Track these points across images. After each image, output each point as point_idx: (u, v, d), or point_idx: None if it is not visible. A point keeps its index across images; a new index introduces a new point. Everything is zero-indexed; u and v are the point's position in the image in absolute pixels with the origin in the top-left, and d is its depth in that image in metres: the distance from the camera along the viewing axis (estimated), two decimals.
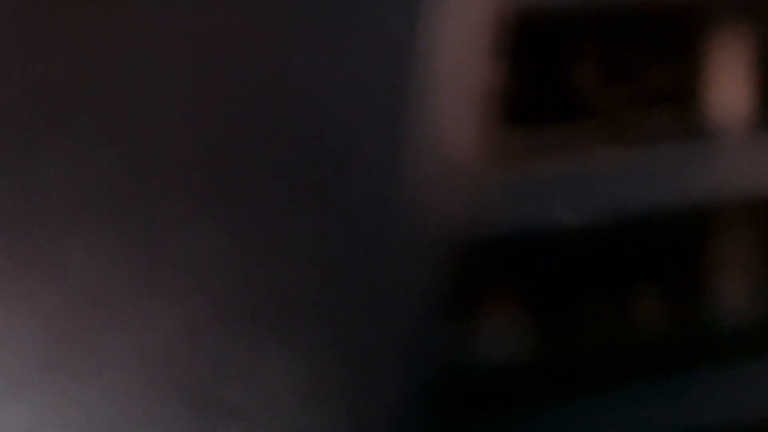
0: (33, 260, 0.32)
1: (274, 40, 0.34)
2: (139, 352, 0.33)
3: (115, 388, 0.33)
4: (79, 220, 0.32)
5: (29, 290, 0.32)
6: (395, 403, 0.36)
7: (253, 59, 0.34)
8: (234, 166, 0.34)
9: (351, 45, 0.35)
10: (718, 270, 0.45)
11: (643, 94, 0.45)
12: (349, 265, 0.35)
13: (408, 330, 0.36)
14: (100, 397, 0.33)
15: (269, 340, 0.34)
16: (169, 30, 0.34)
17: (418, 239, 0.36)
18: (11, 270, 0.32)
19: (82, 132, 0.33)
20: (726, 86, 0.44)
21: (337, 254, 0.35)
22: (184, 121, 0.34)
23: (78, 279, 0.32)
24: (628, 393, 0.43)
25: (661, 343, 0.44)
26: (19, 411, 0.32)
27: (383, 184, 0.36)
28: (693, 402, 0.44)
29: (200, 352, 0.33)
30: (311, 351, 0.35)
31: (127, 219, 0.33)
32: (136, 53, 0.33)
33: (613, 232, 0.43)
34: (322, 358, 0.35)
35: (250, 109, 0.34)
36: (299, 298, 0.35)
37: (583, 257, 0.43)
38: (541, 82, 0.43)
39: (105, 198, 0.33)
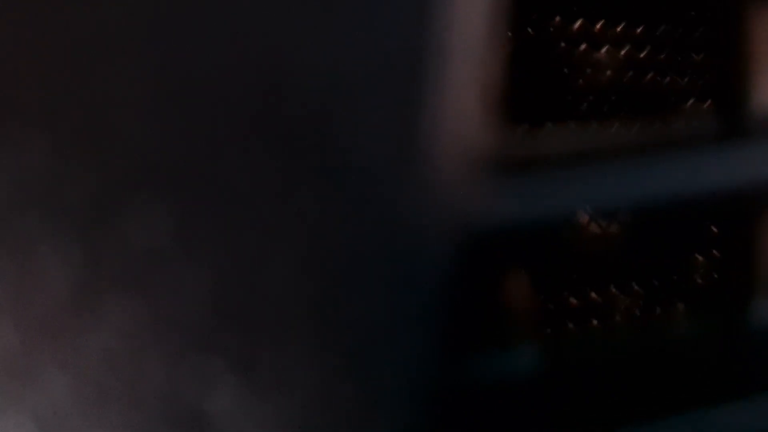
0: None
1: (276, 35, 0.33)
2: (111, 361, 0.31)
3: (85, 398, 0.31)
4: (48, 222, 0.31)
5: None
6: (395, 414, 0.35)
7: (253, 50, 0.33)
8: (230, 163, 0.33)
9: (355, 39, 0.34)
10: (744, 270, 0.44)
11: (662, 89, 0.44)
12: (346, 267, 0.34)
13: (409, 334, 0.35)
14: (69, 407, 0.31)
15: (257, 349, 0.33)
16: (160, 17, 0.32)
17: (423, 238, 0.35)
18: None
19: (51, 123, 0.31)
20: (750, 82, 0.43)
21: (334, 256, 0.34)
22: (175, 117, 0.32)
23: (44, 283, 0.31)
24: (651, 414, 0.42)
25: (685, 354, 0.43)
26: None
27: (386, 182, 0.35)
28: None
29: (179, 360, 0.32)
30: (304, 359, 0.33)
31: (105, 219, 0.31)
32: (117, 47, 0.31)
33: (630, 230, 0.42)
34: (316, 368, 0.33)
35: (247, 103, 0.33)
36: (293, 303, 0.33)
37: (595, 257, 0.42)
38: (560, 76, 0.42)
39: (78, 196, 0.31)
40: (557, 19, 0.41)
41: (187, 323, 0.32)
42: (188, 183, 0.32)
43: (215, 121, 0.32)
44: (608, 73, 0.42)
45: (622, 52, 0.43)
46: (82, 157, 0.30)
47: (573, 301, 0.43)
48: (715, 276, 0.44)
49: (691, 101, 0.43)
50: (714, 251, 0.44)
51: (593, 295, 0.43)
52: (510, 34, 0.38)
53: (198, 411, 0.32)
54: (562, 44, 0.42)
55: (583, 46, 0.42)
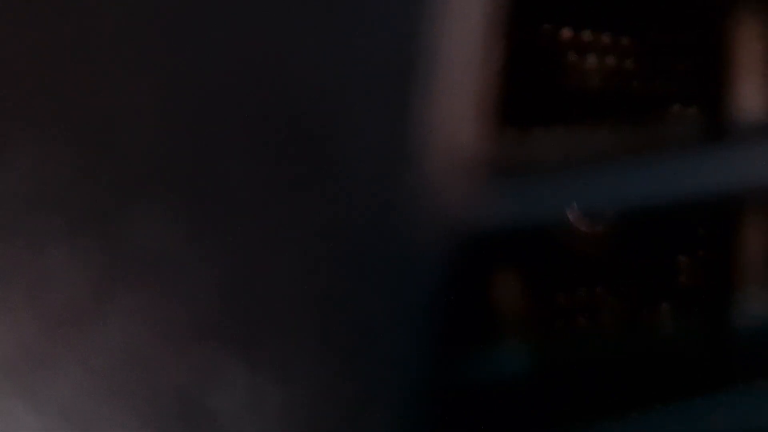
0: (5, 266, 0.31)
1: (275, 40, 0.33)
2: (120, 359, 0.31)
3: (95, 395, 0.31)
4: (64, 221, 0.31)
5: (3, 296, 0.31)
6: (395, 413, 0.35)
7: (252, 52, 0.33)
8: (233, 166, 0.33)
9: (354, 40, 0.34)
10: (734, 272, 0.44)
11: (654, 92, 0.44)
12: (346, 267, 0.34)
13: (408, 334, 0.35)
14: (79, 404, 0.31)
15: (259, 348, 0.33)
16: (161, 21, 0.32)
17: (419, 239, 0.35)
18: None
19: (55, 130, 0.31)
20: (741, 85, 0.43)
21: (334, 256, 0.34)
22: (181, 120, 0.32)
23: (56, 284, 0.31)
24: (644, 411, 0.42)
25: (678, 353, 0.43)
26: None
27: (382, 185, 0.35)
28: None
29: (186, 359, 0.32)
30: (305, 360, 0.33)
31: (111, 222, 0.31)
32: (117, 51, 0.32)
33: (621, 232, 0.42)
34: (317, 367, 0.33)
35: (244, 105, 0.33)
36: (293, 303, 0.33)
37: (588, 258, 0.43)
38: (552, 81, 0.42)
39: (93, 197, 0.31)
40: (548, 26, 0.41)
41: (195, 321, 0.32)
42: (195, 185, 0.32)
43: (221, 125, 0.32)
44: (599, 78, 0.42)
45: (613, 58, 0.43)
46: (97, 162, 0.31)
47: (566, 301, 0.43)
48: (704, 276, 0.44)
49: (679, 105, 0.43)
50: (703, 252, 0.44)
51: (586, 295, 0.43)
52: (503, 40, 0.38)
53: (204, 407, 0.32)
54: (554, 51, 0.42)
55: (574, 52, 0.42)
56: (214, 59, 0.32)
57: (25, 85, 0.30)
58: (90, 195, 0.31)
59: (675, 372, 0.43)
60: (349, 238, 0.34)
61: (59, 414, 0.31)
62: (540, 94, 0.42)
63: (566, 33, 0.42)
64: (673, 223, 0.43)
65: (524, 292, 0.41)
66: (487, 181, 0.38)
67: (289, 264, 0.33)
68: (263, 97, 0.33)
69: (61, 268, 0.31)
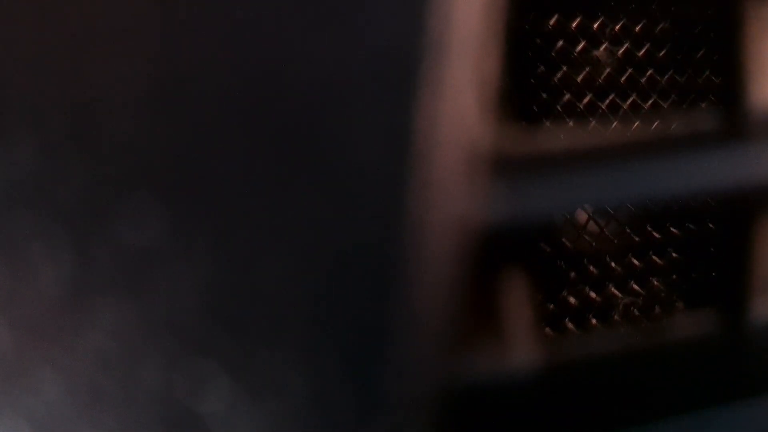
0: None
1: (271, 33, 0.32)
2: (104, 362, 0.31)
3: (79, 399, 0.31)
4: (41, 223, 0.30)
5: None
6: (391, 416, 0.34)
7: (246, 49, 0.32)
8: (222, 164, 0.32)
9: (352, 37, 0.33)
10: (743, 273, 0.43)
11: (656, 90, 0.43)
12: (341, 268, 0.33)
13: (405, 335, 0.34)
14: (63, 408, 0.31)
15: (251, 351, 0.32)
16: (153, 16, 0.31)
17: (419, 237, 0.34)
18: None
19: (43, 123, 0.30)
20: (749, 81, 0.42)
21: (328, 257, 0.33)
22: (168, 117, 0.31)
23: (38, 284, 0.30)
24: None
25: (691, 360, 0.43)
26: None
27: (383, 182, 0.34)
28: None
29: (173, 362, 0.31)
30: (298, 361, 0.33)
31: (98, 220, 0.31)
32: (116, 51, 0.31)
33: (628, 229, 0.41)
34: (310, 370, 0.33)
35: (240, 102, 0.32)
36: (287, 304, 0.33)
37: (594, 256, 0.42)
38: (559, 74, 0.42)
39: (71, 197, 0.30)
40: (556, 16, 0.41)
41: (180, 325, 0.31)
42: (180, 184, 0.31)
43: (209, 121, 0.32)
44: (607, 71, 0.42)
45: (621, 50, 0.42)
46: (75, 158, 0.30)
47: (572, 300, 0.42)
48: (714, 275, 0.44)
49: (690, 100, 0.43)
50: (713, 250, 0.44)
51: (592, 294, 0.43)
52: (508, 31, 0.37)
53: (191, 413, 0.32)
54: (561, 42, 0.41)
55: (581, 44, 0.42)
56: (203, 55, 0.31)
57: (26, 83, 0.30)
58: (71, 196, 0.30)
59: (690, 376, 0.43)
60: (346, 238, 0.33)
61: (37, 421, 0.30)
62: (548, 87, 0.41)
63: (575, 24, 0.41)
64: (688, 221, 0.43)
65: (533, 292, 0.41)
66: (494, 177, 0.37)
67: (282, 264, 0.33)
68: (256, 89, 0.32)
69: (41, 273, 0.30)
